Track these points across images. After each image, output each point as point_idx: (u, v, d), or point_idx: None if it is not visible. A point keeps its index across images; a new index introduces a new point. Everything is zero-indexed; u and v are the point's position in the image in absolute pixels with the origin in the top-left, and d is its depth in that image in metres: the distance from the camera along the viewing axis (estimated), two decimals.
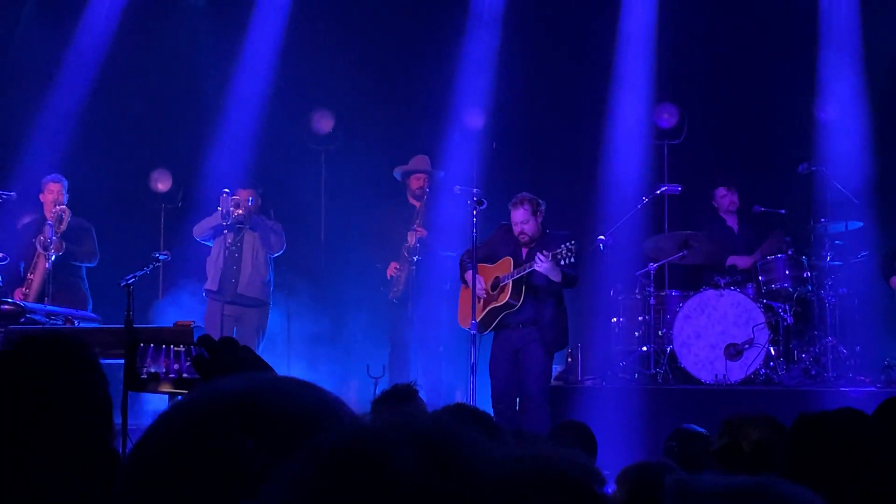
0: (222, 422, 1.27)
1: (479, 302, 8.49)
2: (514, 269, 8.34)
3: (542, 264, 8.06)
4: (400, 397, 3.78)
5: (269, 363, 2.07)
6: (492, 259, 8.57)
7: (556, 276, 8.17)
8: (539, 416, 8.15)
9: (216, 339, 2.06)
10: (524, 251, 8.46)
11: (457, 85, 11.07)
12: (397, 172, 10.54)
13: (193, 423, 1.28)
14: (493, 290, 8.43)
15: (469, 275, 8.55)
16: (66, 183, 9.84)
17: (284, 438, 1.25)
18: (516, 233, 8.45)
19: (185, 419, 1.30)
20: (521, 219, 8.39)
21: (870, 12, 10.61)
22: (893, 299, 9.57)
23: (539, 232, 8.44)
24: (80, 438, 1.78)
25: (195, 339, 7.33)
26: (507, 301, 8.35)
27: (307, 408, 1.31)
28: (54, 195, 9.75)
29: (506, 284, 8.37)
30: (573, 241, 8.12)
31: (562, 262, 8.07)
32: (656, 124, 11.03)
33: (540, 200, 8.50)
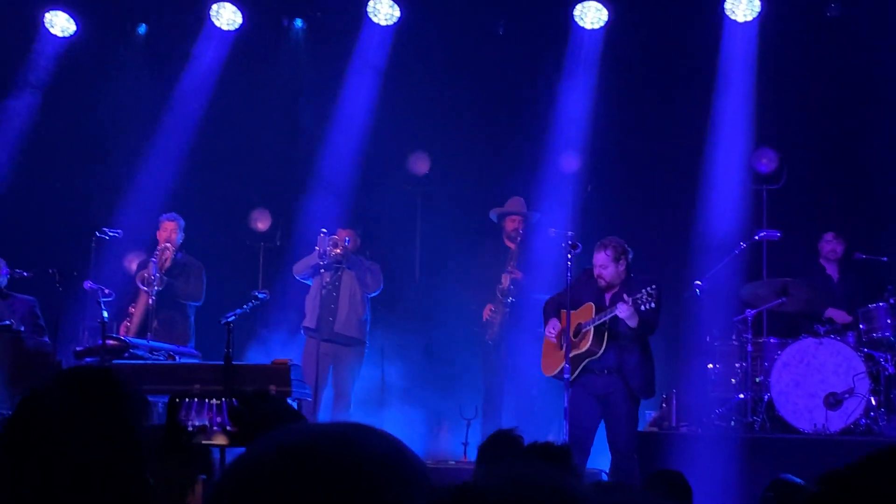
0: (296, 476, 1.28)
1: (560, 349, 8.41)
2: (595, 314, 8.25)
3: (624, 310, 7.95)
4: (550, 456, 3.68)
5: (363, 402, 2.11)
6: (575, 305, 8.51)
7: (633, 322, 8.02)
8: (628, 468, 8.02)
9: (265, 388, 2.10)
10: (607, 297, 8.36)
11: (553, 128, 11.11)
12: (493, 214, 10.59)
13: (267, 480, 1.30)
14: (574, 337, 8.34)
15: (549, 324, 8.48)
16: (181, 222, 10.07)
17: (357, 494, 1.28)
18: (595, 275, 8.36)
19: (257, 475, 1.31)
20: (601, 262, 8.28)
21: None
22: None
23: (619, 278, 8.29)
24: (106, 470, 1.80)
25: (291, 377, 7.42)
26: (588, 348, 8.19)
27: (377, 459, 1.32)
28: (167, 233, 9.98)
29: (587, 331, 8.23)
30: (654, 286, 7.99)
31: (642, 308, 7.96)
32: (755, 169, 10.93)
33: (627, 247, 8.35)
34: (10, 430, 1.85)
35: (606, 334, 8.18)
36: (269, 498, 1.28)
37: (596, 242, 8.60)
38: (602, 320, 8.11)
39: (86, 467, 1.73)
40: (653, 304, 7.94)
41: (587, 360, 8.21)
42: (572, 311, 8.41)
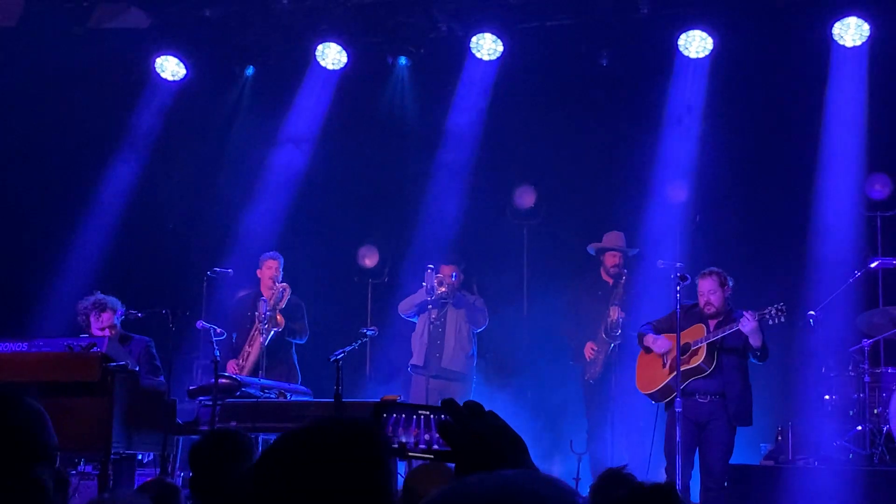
0: None
1: (663, 367, 8.35)
2: (709, 333, 8.18)
3: (748, 324, 7.90)
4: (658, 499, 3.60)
5: None
6: (673, 332, 8.42)
7: (757, 340, 7.99)
8: (720, 497, 7.95)
9: (476, 402, 2.04)
10: (711, 325, 8.30)
11: (659, 157, 11.02)
12: (591, 249, 10.53)
13: None
14: (682, 355, 8.26)
15: (649, 339, 8.43)
16: (282, 260, 10.22)
17: None
18: (702, 304, 8.31)
19: None
20: (709, 289, 8.26)
21: None
22: None
23: (725, 306, 8.28)
24: None
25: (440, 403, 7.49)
26: (698, 365, 8.17)
27: None
28: (272, 272, 10.12)
29: (699, 347, 8.19)
30: (783, 304, 7.94)
31: (770, 322, 7.91)
32: (868, 195, 10.71)
33: (728, 276, 8.34)
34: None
35: (716, 354, 8.12)
36: None
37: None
38: (721, 336, 8.07)
39: None
40: (782, 319, 7.89)
41: (692, 379, 8.12)
42: (673, 334, 8.34)
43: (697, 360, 8.19)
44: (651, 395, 8.56)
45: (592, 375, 10.08)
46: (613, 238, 10.49)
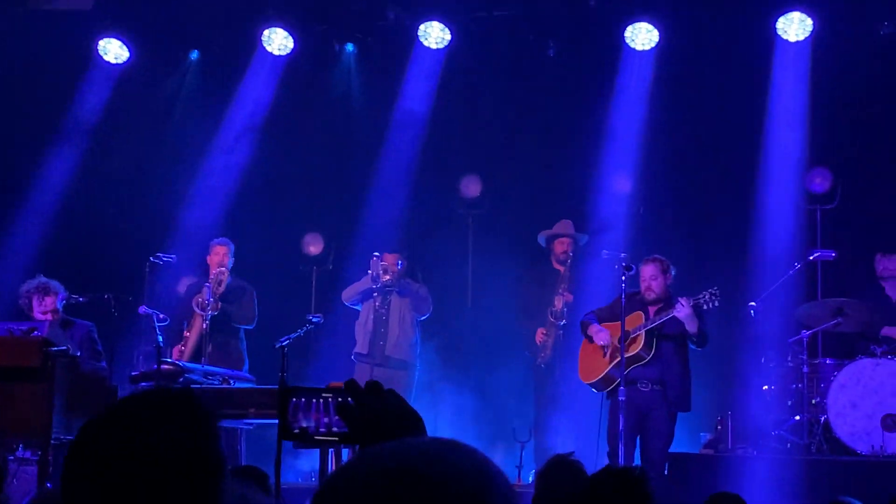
0: (387, 497, 1.29)
1: (604, 356, 8.41)
2: (647, 320, 8.25)
3: (683, 310, 7.99)
4: (629, 482, 3.62)
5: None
6: (615, 320, 8.50)
7: (693, 326, 8.09)
8: (659, 484, 8.03)
9: (377, 382, 2.04)
10: (651, 311, 8.38)
11: (604, 149, 11.09)
12: (541, 238, 10.58)
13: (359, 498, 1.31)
14: (620, 345, 8.32)
15: (593, 329, 8.50)
16: (232, 246, 10.16)
17: None
18: (643, 289, 8.42)
19: (349, 494, 1.32)
20: (650, 274, 8.37)
21: None
22: None
23: (665, 293, 8.37)
24: (181, 500, 1.73)
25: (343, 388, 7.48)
26: (637, 352, 8.25)
27: (467, 478, 1.33)
28: (219, 257, 10.07)
29: (637, 335, 8.27)
30: (716, 288, 8.05)
31: (704, 307, 8.01)
32: (808, 189, 10.86)
33: (670, 264, 8.44)
34: (73, 457, 1.73)
35: (655, 341, 8.20)
36: None
37: None
38: (656, 324, 8.15)
39: (158, 497, 1.67)
40: (716, 304, 7.98)
41: (633, 367, 8.20)
42: (615, 324, 8.42)
43: (636, 348, 8.28)
44: (593, 385, 8.65)
45: (543, 360, 10.15)
46: (563, 225, 10.55)
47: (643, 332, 8.29)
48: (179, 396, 1.75)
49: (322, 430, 2.06)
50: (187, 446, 1.68)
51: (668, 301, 8.38)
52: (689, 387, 8.44)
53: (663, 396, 8.26)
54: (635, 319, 8.38)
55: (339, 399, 2.05)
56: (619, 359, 8.30)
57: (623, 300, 8.19)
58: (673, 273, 8.50)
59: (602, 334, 8.51)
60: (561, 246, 10.42)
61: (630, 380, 8.26)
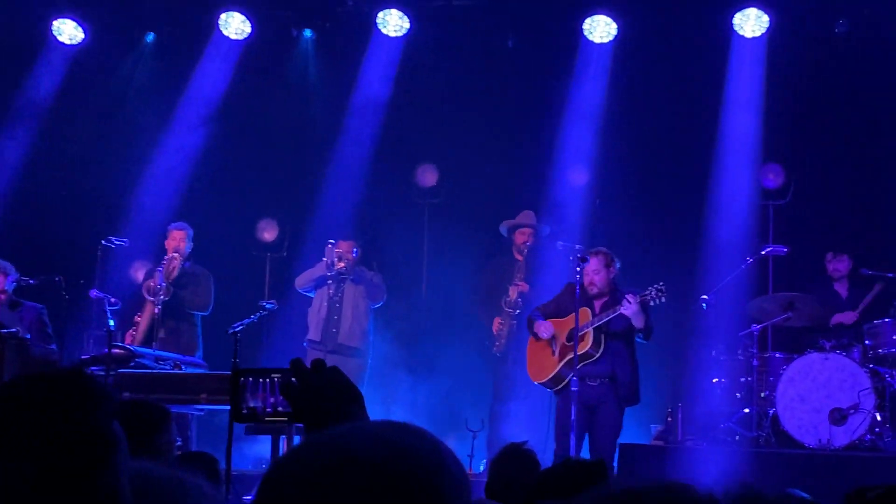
0: (333, 483, 1.29)
1: (553, 355, 8.42)
2: (594, 317, 8.26)
3: (630, 307, 7.99)
4: (588, 473, 3.62)
5: (369, 414, 2.07)
6: (560, 315, 8.51)
7: (640, 322, 8.10)
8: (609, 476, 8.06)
9: (320, 360, 2.05)
10: (597, 305, 8.38)
11: (561, 141, 11.12)
12: (503, 227, 10.60)
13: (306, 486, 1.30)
14: (569, 342, 8.34)
15: (539, 327, 8.50)
16: (190, 231, 10.09)
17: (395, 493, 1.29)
18: (586, 283, 8.38)
19: (295, 482, 1.32)
20: (593, 268, 8.34)
21: None
22: None
23: (609, 287, 8.38)
24: (72, 476, 1.70)
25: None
26: (587, 350, 8.25)
27: (417, 460, 1.33)
28: (175, 242, 10.01)
29: (585, 333, 8.26)
30: (662, 283, 8.06)
31: (651, 304, 8.02)
32: (762, 185, 10.95)
33: (615, 257, 8.44)
34: None
35: (603, 338, 8.20)
36: (307, 498, 1.29)
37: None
38: (606, 319, 8.14)
39: (49, 475, 1.64)
40: (663, 300, 7.99)
41: (582, 364, 8.21)
42: (562, 319, 8.43)
43: (585, 346, 8.25)
44: (544, 384, 8.63)
45: (499, 349, 10.17)
46: (526, 216, 10.57)
47: (591, 329, 8.28)
48: (70, 375, 1.72)
49: (269, 410, 2.08)
50: (79, 424, 1.64)
51: (612, 294, 8.37)
52: (638, 381, 8.47)
53: (613, 390, 8.28)
54: (582, 316, 8.34)
55: (283, 378, 2.08)
56: (568, 357, 8.30)
57: (578, 291, 8.19)
58: (617, 266, 8.48)
59: (544, 327, 8.50)
60: (522, 236, 10.43)
61: (580, 376, 8.26)
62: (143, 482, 1.79)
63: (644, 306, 8.10)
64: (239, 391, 2.17)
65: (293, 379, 2.03)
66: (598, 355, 8.24)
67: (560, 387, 8.44)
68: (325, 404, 1.99)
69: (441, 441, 1.39)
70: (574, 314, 8.35)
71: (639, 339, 8.46)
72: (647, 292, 8.06)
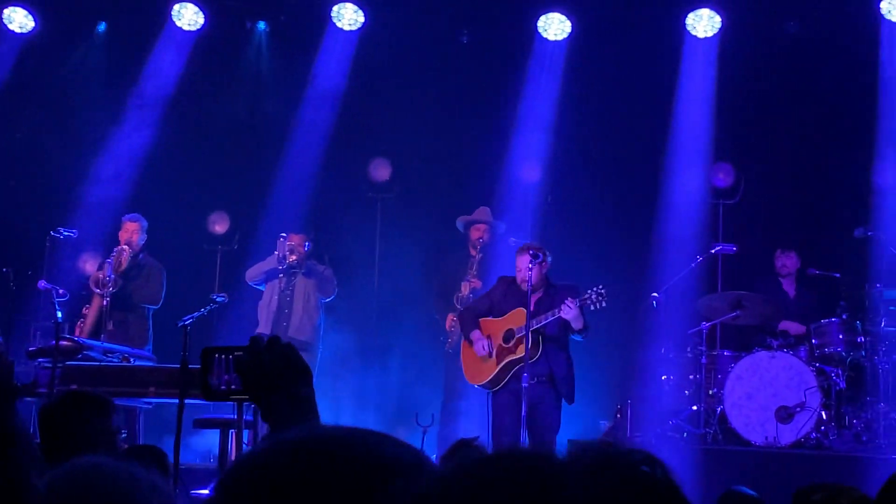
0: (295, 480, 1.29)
1: (490, 357, 8.37)
2: (534, 318, 8.17)
3: (570, 312, 7.93)
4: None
5: (318, 408, 2.07)
6: (495, 313, 8.47)
7: (579, 324, 8.04)
8: None
9: (275, 336, 2.07)
10: (532, 301, 8.33)
11: (514, 138, 11.15)
12: (460, 223, 10.59)
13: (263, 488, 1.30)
14: (506, 343, 8.32)
15: (474, 334, 8.42)
16: (144, 223, 10.00)
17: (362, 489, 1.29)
18: (519, 280, 8.31)
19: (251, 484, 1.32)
20: (526, 265, 8.24)
21: None
22: None
23: (543, 282, 8.32)
24: None
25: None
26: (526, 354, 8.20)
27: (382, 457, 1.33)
28: (128, 234, 9.92)
29: (524, 335, 8.21)
30: (602, 287, 8.01)
31: (591, 308, 7.98)
32: (712, 183, 11.04)
33: (546, 250, 8.38)
34: None
35: (541, 339, 8.16)
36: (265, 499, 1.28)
37: (555, 252, 8.62)
38: (546, 322, 8.08)
39: None
40: (604, 304, 7.95)
41: (520, 366, 8.19)
42: (498, 318, 8.38)
43: (524, 350, 8.17)
44: (482, 387, 8.53)
45: (451, 345, 10.16)
46: (482, 212, 10.58)
47: (529, 333, 8.22)
48: None
49: (223, 387, 2.09)
50: None
51: (546, 289, 8.28)
52: (573, 378, 8.39)
53: (551, 389, 8.20)
54: (518, 317, 8.27)
55: (236, 355, 2.09)
56: (507, 360, 8.25)
57: (529, 287, 8.15)
58: (549, 260, 8.41)
59: (479, 344, 8.39)
60: (477, 232, 10.43)
61: (516, 375, 8.22)
62: (95, 475, 1.79)
63: (583, 309, 8.03)
64: (208, 369, 2.17)
65: (243, 354, 2.06)
66: (536, 357, 8.18)
67: (498, 387, 8.40)
68: (271, 380, 2.00)
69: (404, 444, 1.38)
70: (510, 314, 8.31)
71: (577, 339, 8.39)
72: (588, 296, 7.98)
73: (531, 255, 8.16)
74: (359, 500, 1.26)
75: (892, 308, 9.57)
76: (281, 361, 2.04)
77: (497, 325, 8.42)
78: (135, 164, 11.19)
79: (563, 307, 7.94)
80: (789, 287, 10.27)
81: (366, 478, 1.28)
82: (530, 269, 8.17)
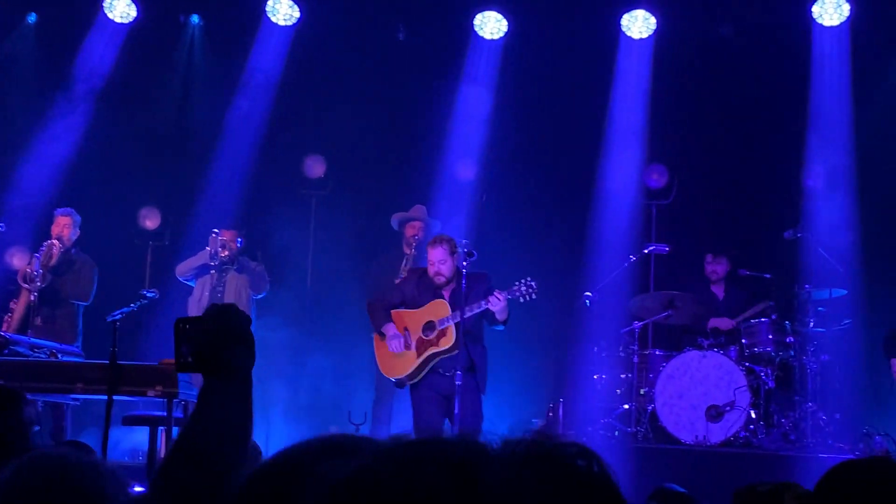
0: None
1: (407, 349, 8.26)
2: (456, 310, 8.06)
3: (498, 304, 7.90)
4: None
5: (253, 422, 2.05)
6: (409, 305, 8.39)
7: (504, 315, 7.99)
8: None
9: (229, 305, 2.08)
10: (446, 293, 8.28)
11: (449, 136, 11.14)
12: (395, 220, 10.55)
13: None
14: (426, 335, 8.24)
15: (388, 328, 8.31)
16: (76, 217, 9.84)
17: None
18: (432, 273, 8.24)
19: None
20: (439, 258, 8.17)
21: (858, 83, 10.73)
22: (876, 369, 9.65)
23: (455, 273, 8.23)
24: None
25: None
26: (450, 346, 8.10)
27: None
28: (59, 228, 9.75)
29: (447, 328, 8.12)
30: (531, 279, 7.99)
31: (521, 300, 7.95)
32: (646, 184, 11.12)
33: (457, 242, 8.33)
34: None
35: (461, 330, 8.05)
36: None
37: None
38: (472, 313, 8.00)
39: None
40: (533, 297, 7.93)
41: (441, 359, 8.15)
42: (415, 310, 8.32)
43: (448, 343, 8.10)
44: (399, 381, 8.41)
45: None
46: (417, 210, 10.54)
47: (452, 324, 8.12)
48: None
49: (181, 360, 2.07)
50: None
51: (458, 282, 8.18)
52: (487, 369, 8.35)
53: (472, 380, 8.13)
54: (438, 309, 8.20)
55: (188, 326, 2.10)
56: (427, 353, 8.18)
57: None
58: (461, 251, 8.35)
59: (395, 343, 8.29)
60: (412, 230, 10.39)
61: (435, 368, 8.19)
62: (64, 468, 1.82)
63: (511, 303, 7.99)
64: (179, 340, 2.15)
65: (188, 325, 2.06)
66: (458, 350, 8.13)
67: (416, 380, 8.34)
68: (212, 349, 2.00)
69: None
70: (429, 306, 8.23)
71: (499, 328, 8.33)
72: (517, 289, 7.97)
73: (446, 248, 8.14)
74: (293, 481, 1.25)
75: (820, 309, 9.70)
76: (223, 331, 2.02)
77: (415, 317, 8.33)
78: (65, 156, 11.02)
79: (491, 299, 7.90)
80: (718, 290, 10.36)
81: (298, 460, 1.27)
82: (443, 263, 8.15)
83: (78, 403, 8.68)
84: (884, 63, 10.96)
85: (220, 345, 2.00)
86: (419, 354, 8.22)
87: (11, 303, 9.73)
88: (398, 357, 8.29)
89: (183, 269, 10.21)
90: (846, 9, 10.75)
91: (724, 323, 9.98)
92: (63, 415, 8.66)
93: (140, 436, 8.54)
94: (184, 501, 1.73)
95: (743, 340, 9.64)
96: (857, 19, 10.74)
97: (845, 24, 10.79)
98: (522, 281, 7.95)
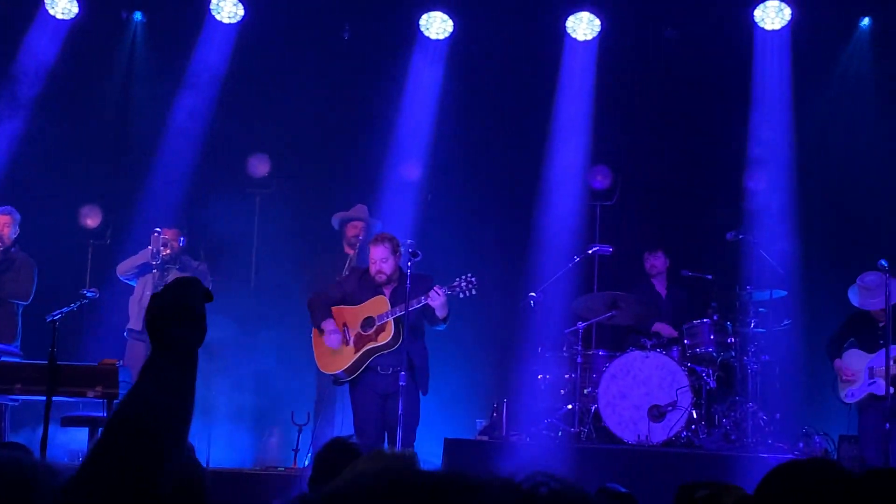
0: None
1: (345, 345, 8.25)
2: (396, 306, 8.08)
3: (438, 299, 7.90)
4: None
5: (194, 404, 2.02)
6: (349, 302, 8.37)
7: (444, 311, 7.99)
8: None
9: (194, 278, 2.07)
10: (387, 291, 8.28)
11: (394, 136, 11.12)
12: (335, 220, 10.52)
13: None
14: (365, 331, 8.24)
15: (327, 323, 8.29)
16: (16, 216, 9.70)
17: None
18: (374, 271, 8.25)
19: None
20: (381, 256, 8.18)
21: (799, 86, 10.86)
22: (815, 370, 9.77)
23: (397, 273, 8.26)
24: None
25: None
26: (387, 341, 8.11)
27: None
28: None
29: (386, 323, 8.13)
30: (471, 275, 8.00)
31: (460, 296, 7.96)
32: (590, 185, 11.17)
33: (400, 242, 8.35)
34: None
35: (400, 326, 8.07)
36: None
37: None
38: (413, 309, 7.99)
39: None
40: (474, 292, 7.93)
41: (378, 355, 8.13)
42: (355, 306, 8.31)
43: (386, 337, 8.12)
44: (336, 378, 8.40)
45: None
46: (358, 210, 10.51)
47: (392, 319, 8.15)
48: None
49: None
50: None
51: (401, 281, 8.22)
52: (428, 369, 8.36)
53: (411, 378, 8.12)
54: (378, 305, 8.22)
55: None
56: (365, 348, 8.17)
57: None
58: (403, 250, 8.37)
59: (333, 338, 8.27)
60: (353, 230, 10.36)
61: (372, 366, 8.17)
62: (18, 469, 1.85)
63: (451, 298, 8.00)
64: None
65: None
66: (397, 345, 8.12)
67: (354, 376, 8.31)
68: (162, 321, 1.98)
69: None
70: (369, 302, 8.23)
71: (440, 328, 8.35)
72: (457, 284, 7.97)
73: (388, 246, 8.14)
74: None
75: (761, 310, 9.80)
76: (173, 306, 1.99)
77: (354, 313, 8.31)
78: (3, 154, 10.86)
79: (431, 294, 7.90)
80: (661, 287, 10.46)
81: None
82: (385, 262, 8.14)
83: (17, 404, 8.57)
84: (825, 66, 11.10)
85: (171, 317, 1.97)
86: (357, 350, 8.21)
87: None
88: (336, 353, 8.27)
89: (124, 268, 10.10)
90: (787, 13, 10.87)
91: (667, 329, 10.05)
92: (2, 415, 8.54)
93: (80, 436, 8.44)
94: (119, 476, 1.71)
95: (685, 341, 9.72)
96: (799, 23, 10.87)
97: (786, 28, 10.92)
98: (462, 277, 7.97)
